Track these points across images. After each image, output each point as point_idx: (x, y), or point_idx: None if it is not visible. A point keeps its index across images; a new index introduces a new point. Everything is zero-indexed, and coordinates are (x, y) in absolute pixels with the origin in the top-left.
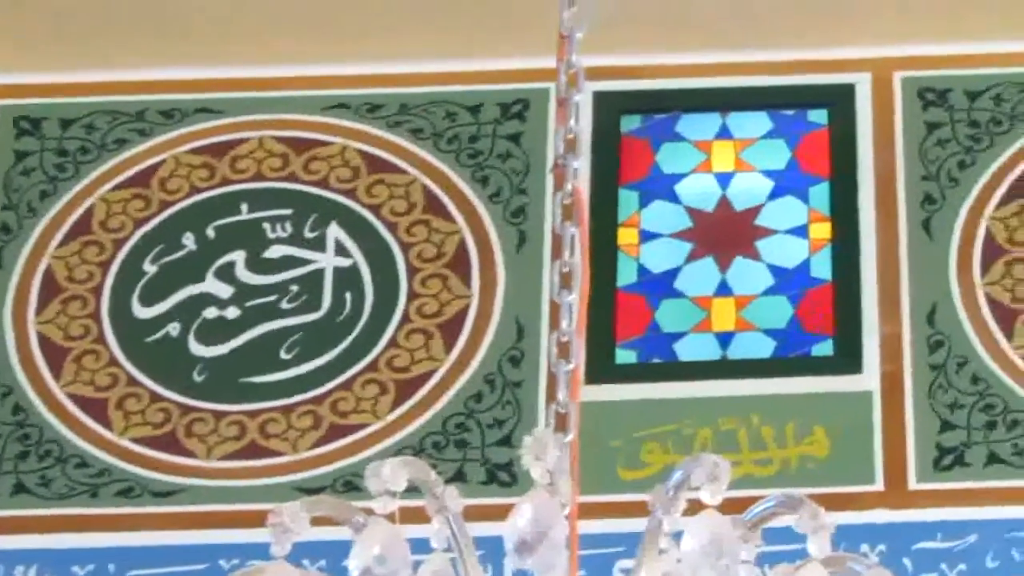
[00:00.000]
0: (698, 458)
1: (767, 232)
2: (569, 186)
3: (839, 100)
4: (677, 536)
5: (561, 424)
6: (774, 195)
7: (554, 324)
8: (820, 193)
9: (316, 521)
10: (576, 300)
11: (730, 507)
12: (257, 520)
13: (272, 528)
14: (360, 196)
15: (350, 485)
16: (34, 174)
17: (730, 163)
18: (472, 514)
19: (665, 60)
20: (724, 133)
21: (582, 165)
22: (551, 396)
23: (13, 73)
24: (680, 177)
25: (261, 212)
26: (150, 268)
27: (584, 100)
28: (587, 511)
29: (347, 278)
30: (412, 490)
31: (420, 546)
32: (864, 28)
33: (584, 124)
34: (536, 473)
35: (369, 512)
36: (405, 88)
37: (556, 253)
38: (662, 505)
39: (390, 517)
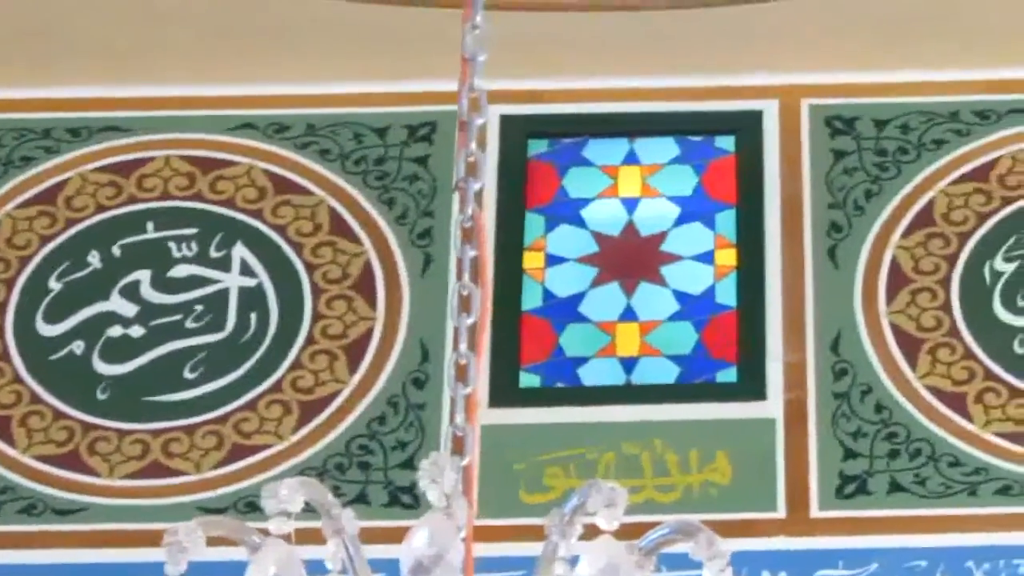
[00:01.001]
0: (595, 484)
1: (673, 258)
2: (469, 209)
3: (746, 127)
4: (574, 561)
5: (458, 447)
6: (680, 221)
7: (456, 347)
8: (726, 219)
9: (217, 542)
10: (475, 323)
11: (634, 532)
12: (159, 540)
13: (167, 547)
14: (266, 216)
15: (252, 506)
16: None
17: (637, 188)
18: (375, 536)
19: (573, 85)
20: (631, 158)
21: (487, 188)
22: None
23: None
24: (586, 202)
25: (167, 231)
26: (55, 286)
27: (491, 123)
28: (490, 534)
29: (252, 298)
30: (311, 511)
31: (317, 568)
32: (772, 55)
33: (491, 147)
34: (433, 496)
35: (265, 533)
36: (313, 109)
37: (459, 276)
38: (558, 529)
39: (287, 538)
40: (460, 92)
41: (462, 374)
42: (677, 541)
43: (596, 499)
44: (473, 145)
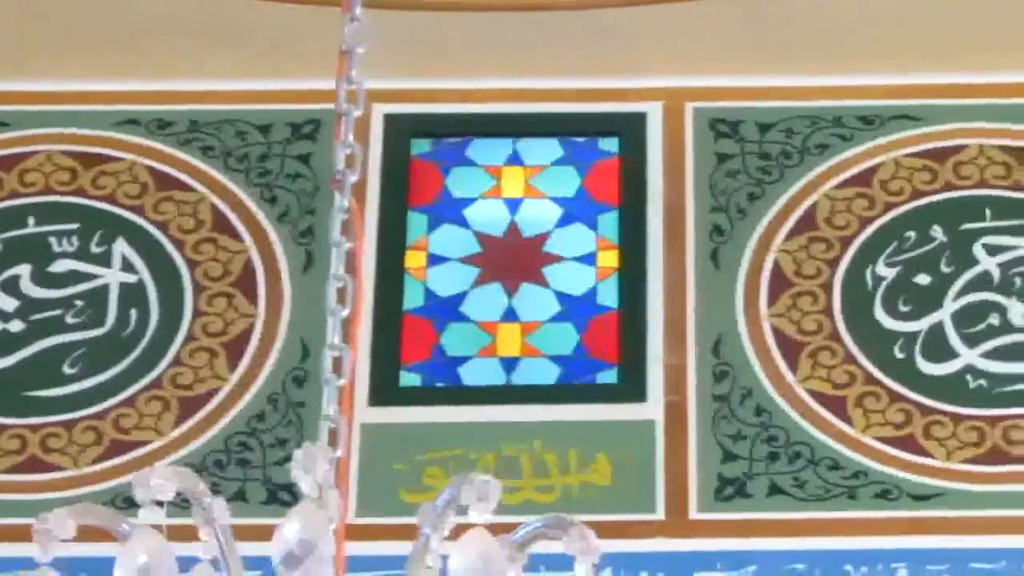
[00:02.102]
0: (467, 477)
1: (555, 259)
2: (346, 201)
3: (630, 129)
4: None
5: (332, 439)
6: (563, 222)
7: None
8: (609, 221)
9: (91, 536)
10: (349, 315)
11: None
12: None
13: (37, 535)
14: (148, 213)
15: (130, 501)
16: None
17: (519, 189)
18: (252, 534)
19: (456, 85)
20: (514, 159)
21: (371, 187)
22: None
23: None
24: (469, 202)
25: (47, 226)
26: None
27: (374, 122)
28: (369, 533)
29: (133, 294)
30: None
31: (192, 564)
32: (657, 58)
33: (374, 147)
34: (305, 487)
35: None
36: (196, 105)
37: (334, 268)
38: (430, 523)
39: (159, 528)
40: (338, 86)
41: (336, 366)
42: (549, 536)
43: (468, 492)
44: (351, 137)
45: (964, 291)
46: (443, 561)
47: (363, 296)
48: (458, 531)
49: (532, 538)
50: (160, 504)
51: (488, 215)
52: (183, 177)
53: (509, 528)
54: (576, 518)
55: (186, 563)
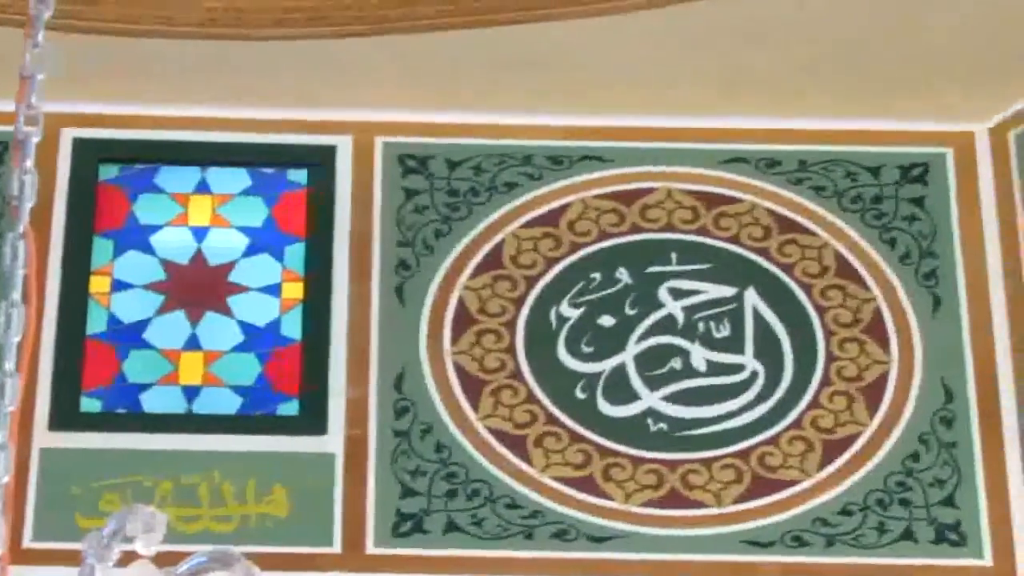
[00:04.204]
0: (134, 508)
1: (240, 289)
2: (21, 227)
3: (320, 161)
4: None
5: None
6: (249, 252)
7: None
8: (295, 253)
9: None
10: (21, 341)
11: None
12: None
13: None
14: None
15: None
16: None
17: (207, 218)
18: None
19: (146, 111)
20: (203, 187)
21: (56, 211)
22: None
23: None
24: (156, 228)
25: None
26: None
27: (62, 146)
28: (44, 557)
29: None
30: None
31: None
32: (348, 92)
33: (61, 170)
34: None
35: None
36: None
37: (7, 294)
38: (95, 553)
39: None
40: (17, 109)
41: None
42: (214, 569)
43: (135, 524)
44: (29, 163)
45: (648, 334)
46: None
47: (34, 322)
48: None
49: (197, 571)
50: None
51: (174, 243)
52: None
53: (185, 557)
54: (239, 552)
55: None
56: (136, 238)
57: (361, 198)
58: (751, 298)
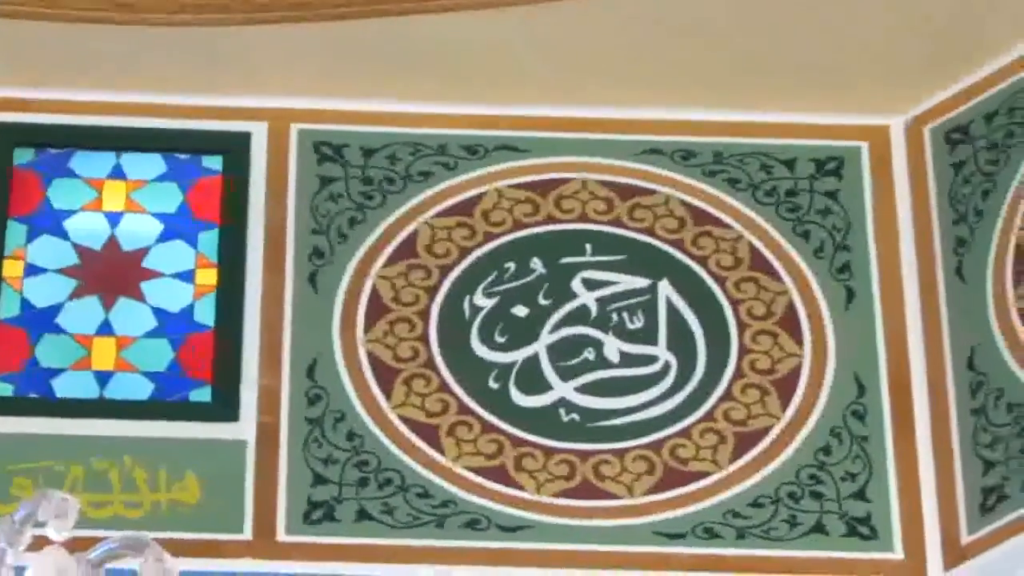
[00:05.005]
0: (46, 494)
1: (154, 274)
2: None
3: (234, 148)
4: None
5: None
6: (163, 238)
7: None
8: (209, 239)
9: None
10: None
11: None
12: None
13: None
14: None
15: None
16: None
17: (121, 203)
18: None
19: (61, 96)
20: (117, 173)
21: None
22: None
23: None
24: (70, 213)
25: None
26: None
27: None
28: None
29: None
30: None
31: None
32: (263, 78)
33: None
34: None
35: None
36: None
37: None
38: (6, 537)
39: None
40: None
41: None
42: (126, 555)
43: (47, 509)
44: None
45: (561, 324)
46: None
47: None
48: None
49: (109, 557)
50: None
51: (88, 228)
52: None
53: (96, 542)
54: (150, 537)
55: None
56: (50, 223)
57: (276, 185)
58: (665, 290)
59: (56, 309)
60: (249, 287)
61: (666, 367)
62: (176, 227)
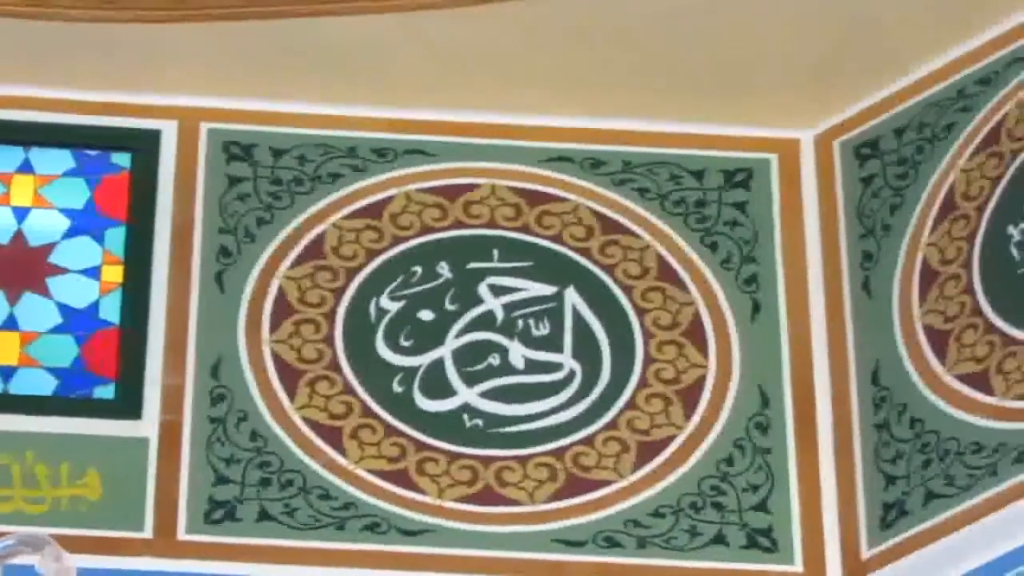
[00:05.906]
0: None
1: (59, 270)
2: None
3: (143, 145)
4: None
5: None
6: (70, 234)
7: None
8: (116, 236)
9: None
10: None
11: None
12: None
13: None
14: None
15: None
16: None
17: (28, 198)
18: None
19: None
20: (25, 167)
21: None
22: None
23: None
24: None
25: None
26: None
27: None
28: None
29: None
30: None
31: None
32: (174, 76)
33: None
34: None
35: None
36: None
37: None
38: None
39: None
40: None
41: None
42: (23, 553)
43: None
44: None
45: (467, 329)
46: None
47: None
48: None
49: (7, 554)
50: None
51: None
52: None
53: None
54: (48, 535)
55: None
56: None
57: (184, 183)
58: (571, 297)
59: None
60: (155, 285)
61: (571, 375)
62: (83, 223)
